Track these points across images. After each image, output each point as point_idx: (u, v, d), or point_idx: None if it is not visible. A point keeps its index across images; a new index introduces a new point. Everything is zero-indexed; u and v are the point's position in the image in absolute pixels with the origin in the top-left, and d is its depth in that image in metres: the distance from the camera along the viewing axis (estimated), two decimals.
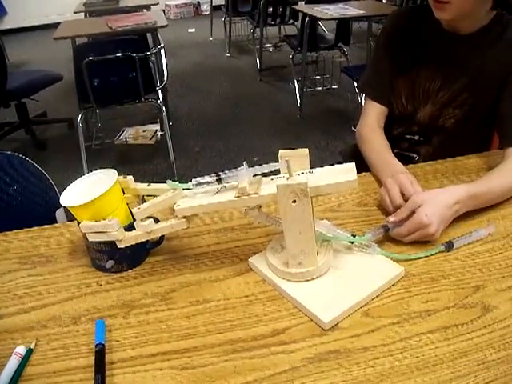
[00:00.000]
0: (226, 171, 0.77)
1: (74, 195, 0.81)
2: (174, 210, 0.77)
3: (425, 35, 1.18)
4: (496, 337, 0.66)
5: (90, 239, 0.78)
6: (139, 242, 0.79)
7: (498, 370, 0.62)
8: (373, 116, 1.24)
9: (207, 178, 0.77)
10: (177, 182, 0.79)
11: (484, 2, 1.05)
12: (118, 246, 0.78)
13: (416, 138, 1.26)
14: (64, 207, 0.79)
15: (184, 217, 0.77)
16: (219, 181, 0.77)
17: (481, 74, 1.12)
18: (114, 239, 0.77)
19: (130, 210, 0.82)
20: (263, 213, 0.79)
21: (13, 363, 0.65)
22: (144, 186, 0.85)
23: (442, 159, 1.15)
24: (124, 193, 0.84)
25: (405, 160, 1.19)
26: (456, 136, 1.20)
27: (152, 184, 0.84)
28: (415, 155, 1.28)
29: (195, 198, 0.78)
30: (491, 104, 1.14)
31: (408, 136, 1.27)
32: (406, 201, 0.88)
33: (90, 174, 0.85)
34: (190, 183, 0.78)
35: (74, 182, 0.84)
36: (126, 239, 0.77)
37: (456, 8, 1.03)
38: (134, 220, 0.78)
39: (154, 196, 0.79)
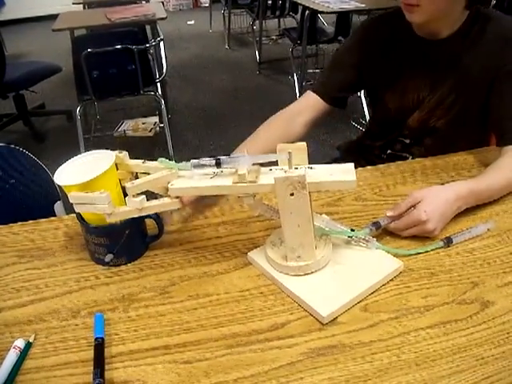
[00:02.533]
0: (224, 156, 0.75)
1: (69, 174, 0.79)
2: (167, 190, 0.76)
3: (403, 46, 1.15)
4: (494, 332, 0.67)
5: (77, 210, 0.76)
6: (129, 217, 0.77)
7: (496, 365, 0.62)
8: (300, 103, 1.22)
9: (206, 161, 0.75)
10: (172, 162, 0.77)
11: (456, 2, 1.02)
12: (107, 221, 0.76)
13: (407, 141, 1.24)
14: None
15: (177, 197, 0.77)
16: (218, 165, 0.75)
17: (466, 74, 1.09)
18: (103, 212, 0.74)
19: (124, 197, 0.79)
20: (259, 201, 0.78)
21: (11, 357, 0.65)
22: (139, 162, 0.82)
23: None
24: (118, 168, 0.81)
25: (398, 160, 1.17)
26: (448, 136, 1.18)
27: (147, 162, 0.82)
28: (408, 155, 1.26)
29: (191, 179, 0.77)
30: (481, 103, 1.11)
31: (400, 138, 1.25)
32: None
33: (87, 153, 0.83)
34: (185, 163, 0.76)
35: (70, 160, 0.82)
36: (115, 214, 0.75)
37: (425, 11, 1.00)
38: None
39: (148, 174, 0.78)
